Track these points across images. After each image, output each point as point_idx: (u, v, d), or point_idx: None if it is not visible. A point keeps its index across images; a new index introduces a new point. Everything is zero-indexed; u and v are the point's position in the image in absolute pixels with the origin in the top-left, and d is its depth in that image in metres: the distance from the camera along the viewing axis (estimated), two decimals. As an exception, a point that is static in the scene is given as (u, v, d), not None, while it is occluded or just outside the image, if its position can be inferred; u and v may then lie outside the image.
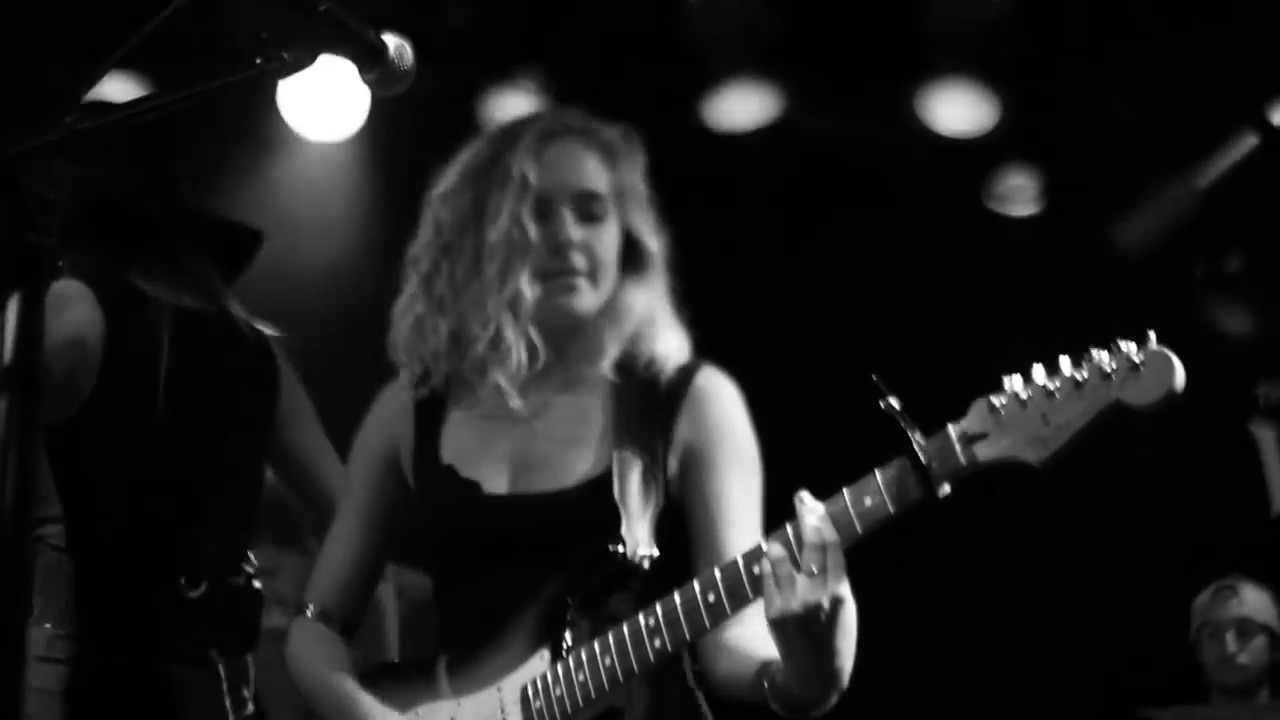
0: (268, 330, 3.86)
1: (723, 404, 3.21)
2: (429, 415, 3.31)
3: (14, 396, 2.05)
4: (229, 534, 3.68)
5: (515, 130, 3.29)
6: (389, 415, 3.36)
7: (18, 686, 2.03)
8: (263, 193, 6.89)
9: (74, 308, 3.47)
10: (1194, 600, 6.43)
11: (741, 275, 6.44)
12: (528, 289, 3.18)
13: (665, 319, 3.29)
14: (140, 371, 3.53)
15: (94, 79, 2.46)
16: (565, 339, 3.25)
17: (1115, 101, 6.62)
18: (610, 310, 3.25)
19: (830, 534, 2.70)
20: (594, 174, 3.26)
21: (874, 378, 2.69)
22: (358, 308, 7.05)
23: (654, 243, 3.31)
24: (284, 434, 3.84)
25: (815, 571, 2.70)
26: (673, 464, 3.15)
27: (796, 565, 2.72)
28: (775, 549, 2.74)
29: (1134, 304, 6.81)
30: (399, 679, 3.22)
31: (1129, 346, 2.59)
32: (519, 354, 3.19)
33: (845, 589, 2.72)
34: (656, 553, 3.01)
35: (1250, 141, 6.61)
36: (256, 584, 3.74)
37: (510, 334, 3.19)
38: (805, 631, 2.72)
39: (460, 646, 3.12)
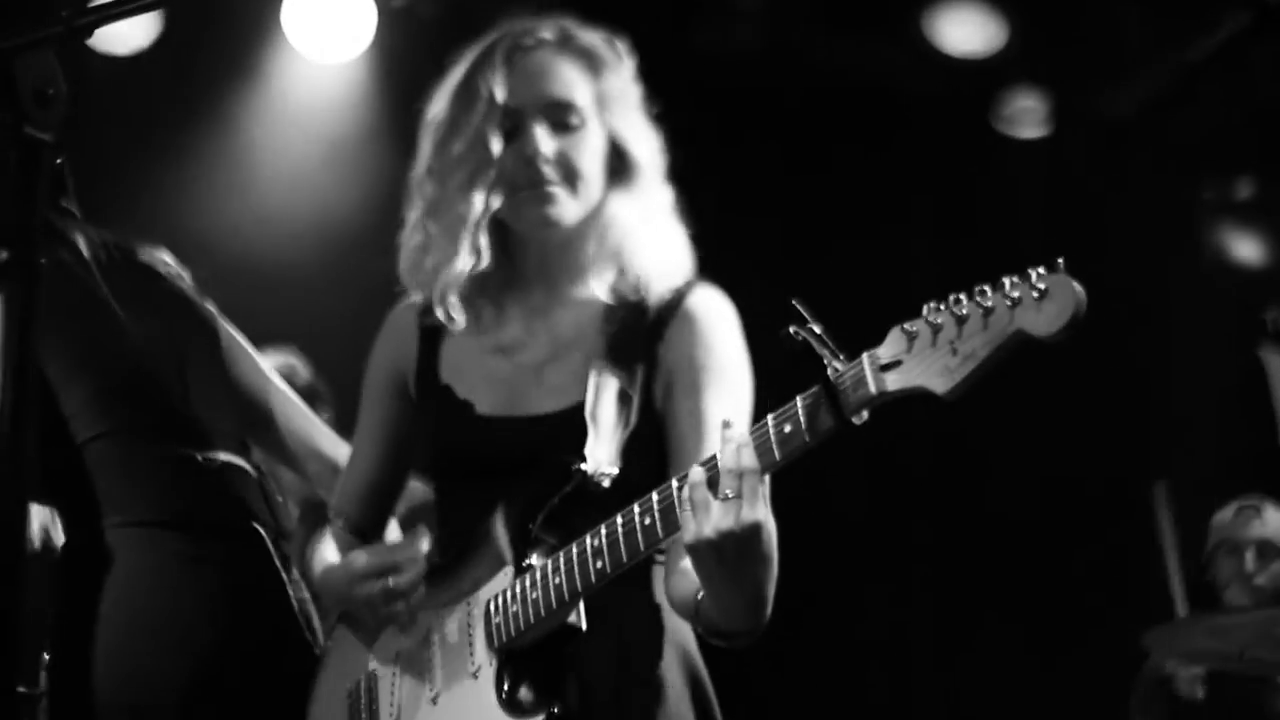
0: (185, 275, 3.85)
1: (711, 325, 3.18)
2: (432, 336, 3.35)
3: (14, 289, 2.05)
4: (223, 414, 3.66)
5: (489, 48, 3.27)
6: (397, 336, 3.42)
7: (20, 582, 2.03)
8: (267, 115, 6.88)
9: None
10: (1211, 518, 6.42)
11: (745, 200, 6.42)
12: (480, 200, 3.21)
13: (658, 232, 3.27)
14: (74, 288, 3.53)
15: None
16: (552, 256, 3.27)
17: (1124, 19, 6.59)
18: (594, 222, 3.25)
19: (749, 460, 2.64)
20: (568, 83, 3.24)
21: (794, 303, 2.63)
22: (362, 230, 7.13)
23: (642, 150, 3.28)
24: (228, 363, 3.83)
25: (730, 496, 2.64)
26: (658, 387, 3.14)
27: (715, 491, 2.67)
28: (695, 473, 2.70)
29: (1143, 228, 6.79)
30: None
31: (1037, 273, 2.46)
32: (464, 259, 3.23)
33: (761, 515, 2.64)
34: (616, 470, 3.01)
35: (1243, 18, 6.53)
36: (266, 474, 3.74)
37: (460, 240, 3.23)
38: (719, 558, 2.67)
39: (449, 559, 3.17)
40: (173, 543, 3.46)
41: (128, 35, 6.44)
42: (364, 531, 3.43)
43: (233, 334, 3.83)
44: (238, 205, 6.78)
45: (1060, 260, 2.46)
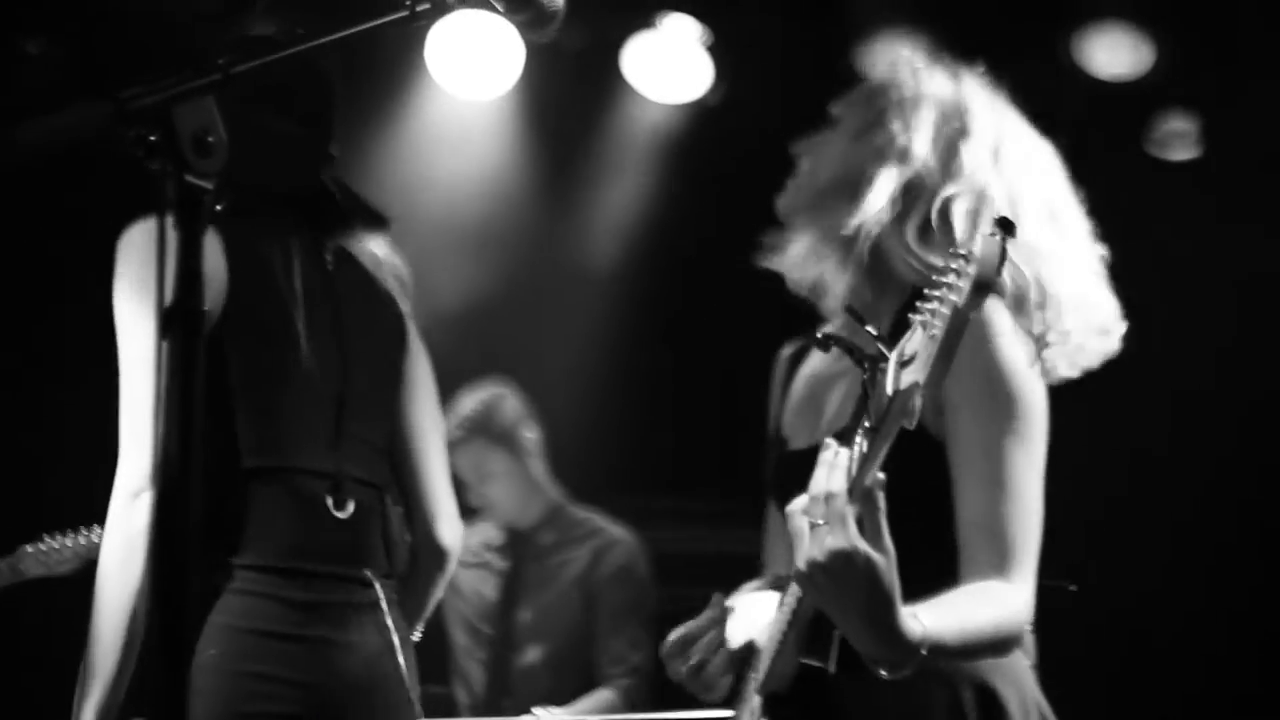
0: (399, 294, 3.85)
1: (981, 336, 2.93)
2: (788, 375, 3.35)
3: (175, 339, 2.06)
4: (368, 458, 3.67)
5: None
6: (772, 385, 3.43)
7: (184, 621, 2.04)
8: (411, 151, 6.93)
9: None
10: None
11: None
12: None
13: (934, 241, 3.05)
14: (269, 299, 3.54)
15: (245, 24, 2.43)
16: (857, 272, 3.14)
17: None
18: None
19: (836, 483, 2.48)
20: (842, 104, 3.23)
21: (848, 307, 2.54)
22: (507, 265, 7.17)
23: (905, 150, 3.11)
24: (402, 398, 3.83)
25: (819, 523, 2.49)
26: (924, 412, 2.89)
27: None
28: (795, 502, 2.56)
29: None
30: None
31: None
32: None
33: (844, 542, 2.46)
34: None
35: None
36: (398, 510, 3.75)
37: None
38: (815, 590, 2.55)
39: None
40: (283, 589, 3.47)
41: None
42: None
43: (420, 368, 3.84)
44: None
45: (1000, 216, 2.35)
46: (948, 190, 3.06)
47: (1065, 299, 3.08)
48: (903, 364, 2.41)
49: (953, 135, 3.11)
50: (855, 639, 2.62)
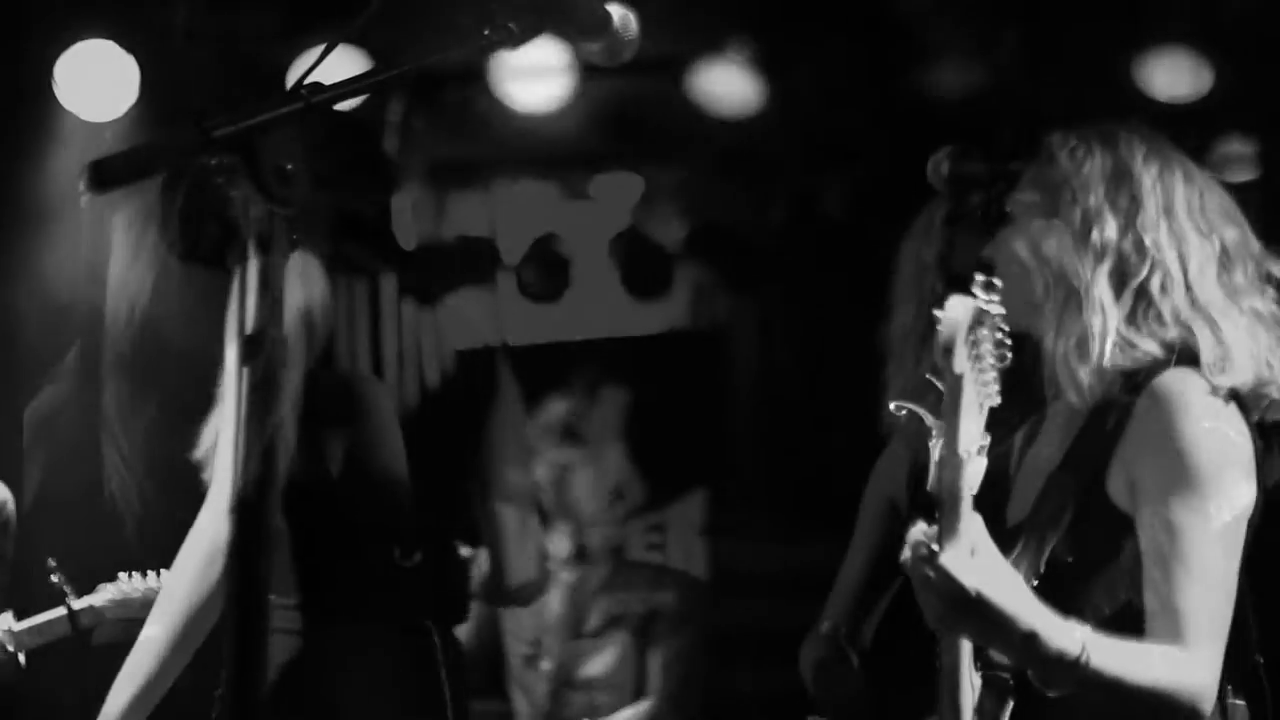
0: (495, 335, 3.86)
1: (1170, 413, 2.91)
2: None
3: (255, 370, 2.07)
4: (443, 507, 3.67)
5: None
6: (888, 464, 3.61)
7: (262, 656, 2.05)
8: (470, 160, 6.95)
9: (303, 280, 3.48)
10: None
11: (965, 245, 6.36)
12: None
13: (1111, 322, 2.98)
14: (363, 346, 3.54)
15: (325, 55, 2.44)
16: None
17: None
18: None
19: (915, 546, 2.64)
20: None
21: (928, 376, 2.60)
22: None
23: (1082, 234, 3.04)
24: (490, 436, 3.84)
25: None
26: (1114, 484, 2.95)
27: None
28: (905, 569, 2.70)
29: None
30: None
31: None
32: None
33: (949, 590, 2.58)
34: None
35: None
36: (466, 554, 3.75)
37: None
38: (958, 635, 2.71)
39: None
40: (338, 637, 3.51)
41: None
42: (851, 636, 3.54)
43: (510, 407, 3.84)
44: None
45: (984, 278, 2.53)
46: (1140, 274, 3.00)
47: (1245, 346, 2.99)
48: None
49: (1129, 212, 3.02)
50: (1014, 660, 2.76)
